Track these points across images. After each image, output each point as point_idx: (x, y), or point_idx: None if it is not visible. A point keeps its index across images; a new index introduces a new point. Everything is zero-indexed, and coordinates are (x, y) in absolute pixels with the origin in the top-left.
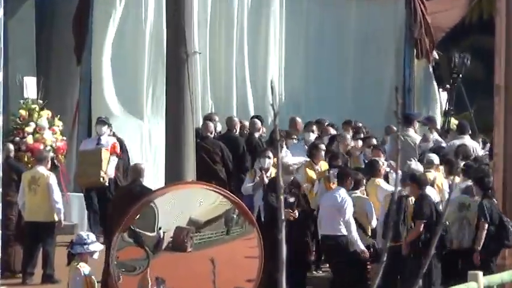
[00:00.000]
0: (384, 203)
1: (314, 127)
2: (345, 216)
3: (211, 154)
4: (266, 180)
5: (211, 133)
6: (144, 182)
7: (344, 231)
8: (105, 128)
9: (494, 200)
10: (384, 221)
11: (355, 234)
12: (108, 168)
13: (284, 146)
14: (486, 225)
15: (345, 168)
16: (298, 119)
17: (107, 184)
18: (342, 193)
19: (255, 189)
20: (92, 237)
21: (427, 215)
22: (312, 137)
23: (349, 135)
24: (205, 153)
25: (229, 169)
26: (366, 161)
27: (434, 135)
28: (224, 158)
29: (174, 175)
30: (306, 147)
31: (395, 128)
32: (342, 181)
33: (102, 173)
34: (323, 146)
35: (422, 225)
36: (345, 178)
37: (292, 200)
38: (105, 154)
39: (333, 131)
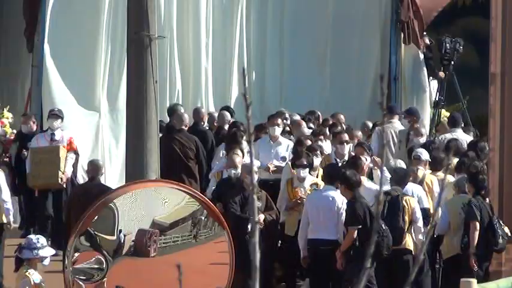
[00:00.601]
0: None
1: (279, 120)
2: (341, 220)
3: (186, 149)
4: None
5: (186, 126)
6: (103, 180)
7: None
8: (58, 123)
9: (487, 200)
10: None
11: None
12: (66, 168)
13: (245, 144)
14: (478, 225)
15: (336, 166)
16: (318, 112)
17: (64, 186)
18: (339, 195)
19: None
20: (43, 241)
21: (361, 220)
22: (278, 131)
23: (307, 126)
24: (178, 147)
25: (203, 168)
26: (337, 159)
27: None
28: (199, 154)
29: (135, 173)
30: (272, 143)
31: (370, 124)
32: (332, 180)
33: (60, 174)
34: (309, 142)
35: (356, 232)
36: (336, 177)
37: (259, 204)
38: (62, 152)
39: (304, 125)
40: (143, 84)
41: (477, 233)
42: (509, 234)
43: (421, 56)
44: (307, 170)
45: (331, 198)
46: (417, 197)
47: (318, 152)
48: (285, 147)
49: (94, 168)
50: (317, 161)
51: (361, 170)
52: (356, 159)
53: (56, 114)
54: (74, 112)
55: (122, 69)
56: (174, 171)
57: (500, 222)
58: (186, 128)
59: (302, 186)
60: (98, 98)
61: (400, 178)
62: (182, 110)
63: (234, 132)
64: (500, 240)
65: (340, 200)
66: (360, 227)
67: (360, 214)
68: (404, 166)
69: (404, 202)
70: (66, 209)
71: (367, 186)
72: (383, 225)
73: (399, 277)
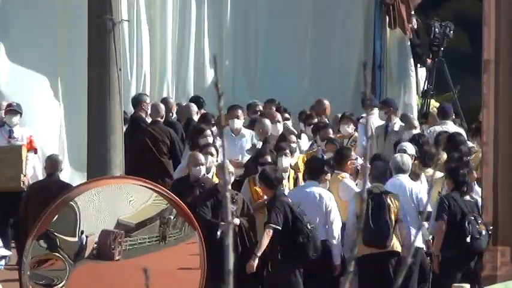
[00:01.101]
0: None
1: (239, 112)
2: (331, 220)
3: (158, 143)
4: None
5: (161, 117)
6: (62, 177)
7: (325, 235)
8: (17, 119)
9: (467, 197)
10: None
11: (337, 242)
12: (27, 169)
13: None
14: (444, 227)
15: (320, 159)
16: (327, 102)
17: (25, 189)
18: (324, 191)
19: None
20: None
21: (280, 221)
22: (238, 123)
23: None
24: (150, 140)
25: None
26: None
27: (397, 122)
28: (174, 149)
29: (98, 168)
30: (233, 135)
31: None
32: (315, 175)
33: (22, 176)
34: (293, 138)
35: (273, 232)
36: (319, 171)
37: (234, 208)
38: (24, 152)
39: (280, 118)
40: (106, 72)
41: (442, 234)
42: (484, 233)
43: (408, 42)
44: None
45: (317, 196)
46: (417, 199)
47: (287, 151)
48: (249, 138)
49: (53, 163)
50: (286, 161)
51: (345, 164)
52: (344, 150)
53: (15, 110)
54: (32, 103)
55: (83, 57)
56: (145, 167)
57: (478, 221)
58: (162, 120)
59: None
60: (58, 87)
61: (380, 173)
62: (148, 101)
63: (199, 128)
64: (472, 240)
65: (328, 196)
66: (279, 228)
67: (279, 214)
68: (410, 161)
69: (388, 200)
70: (22, 206)
71: (347, 184)
72: (308, 224)
73: (388, 281)
